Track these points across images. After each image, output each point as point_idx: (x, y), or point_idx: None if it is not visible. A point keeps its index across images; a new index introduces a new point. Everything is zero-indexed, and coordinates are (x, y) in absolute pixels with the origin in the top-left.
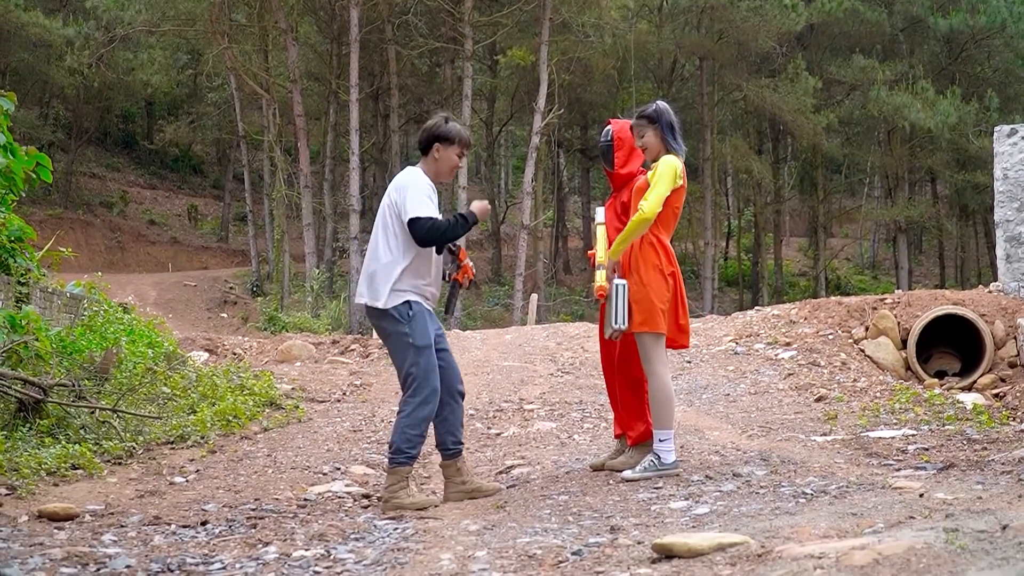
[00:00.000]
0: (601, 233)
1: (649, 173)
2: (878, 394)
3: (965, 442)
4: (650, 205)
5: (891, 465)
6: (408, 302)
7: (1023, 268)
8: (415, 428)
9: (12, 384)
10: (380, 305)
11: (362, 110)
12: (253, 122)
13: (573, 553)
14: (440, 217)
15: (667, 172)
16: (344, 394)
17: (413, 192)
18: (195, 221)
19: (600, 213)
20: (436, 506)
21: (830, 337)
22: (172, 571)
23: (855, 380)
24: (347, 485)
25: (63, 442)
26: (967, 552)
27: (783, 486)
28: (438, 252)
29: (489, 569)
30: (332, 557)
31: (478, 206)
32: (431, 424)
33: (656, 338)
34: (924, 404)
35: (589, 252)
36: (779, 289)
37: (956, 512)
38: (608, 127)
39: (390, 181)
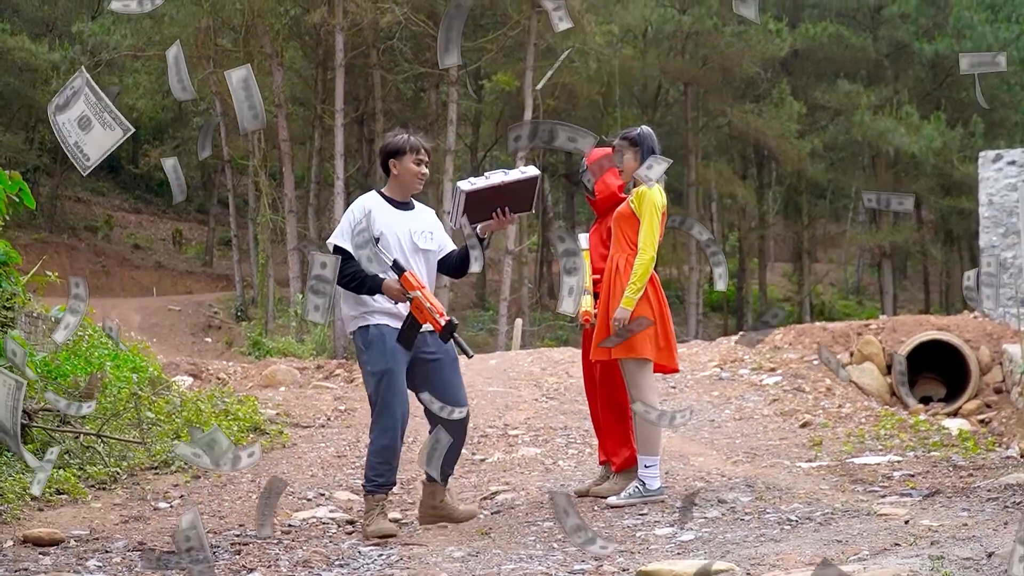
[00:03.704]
0: (584, 259)
1: (631, 197)
2: (863, 420)
3: (951, 468)
4: (647, 243)
5: (876, 491)
6: (367, 327)
7: (1009, 294)
8: (377, 456)
9: None
10: (348, 331)
11: (347, 135)
12: (238, 147)
13: None
14: (357, 254)
15: (652, 205)
16: (328, 419)
17: (343, 220)
18: (179, 245)
19: (583, 239)
20: (393, 535)
21: (815, 363)
22: None
23: (840, 406)
24: (331, 511)
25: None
26: None
27: (768, 512)
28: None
29: None
30: None
31: (390, 287)
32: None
33: (641, 364)
34: (909, 430)
35: None
36: (764, 314)
37: (942, 539)
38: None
39: None
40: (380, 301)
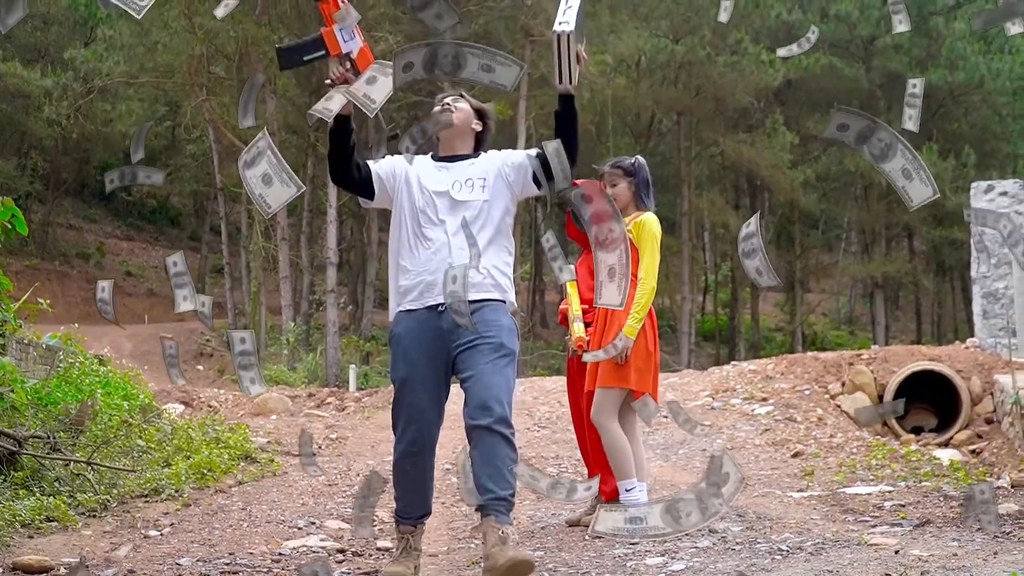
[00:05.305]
0: (571, 289)
1: (627, 227)
2: (854, 450)
3: (942, 499)
4: (648, 272)
5: (867, 521)
6: (393, 321)
7: (1000, 324)
8: (393, 478)
9: None
10: None
11: None
12: (231, 174)
13: None
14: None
15: (652, 235)
16: (320, 447)
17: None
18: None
19: (569, 270)
20: None
21: (807, 392)
22: None
23: (832, 436)
24: (322, 540)
25: (38, 494)
26: None
27: (759, 542)
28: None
29: None
30: None
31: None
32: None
33: (619, 393)
34: (901, 460)
35: (561, 308)
36: (756, 344)
37: (932, 569)
38: (577, 188)
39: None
40: (399, 286)
